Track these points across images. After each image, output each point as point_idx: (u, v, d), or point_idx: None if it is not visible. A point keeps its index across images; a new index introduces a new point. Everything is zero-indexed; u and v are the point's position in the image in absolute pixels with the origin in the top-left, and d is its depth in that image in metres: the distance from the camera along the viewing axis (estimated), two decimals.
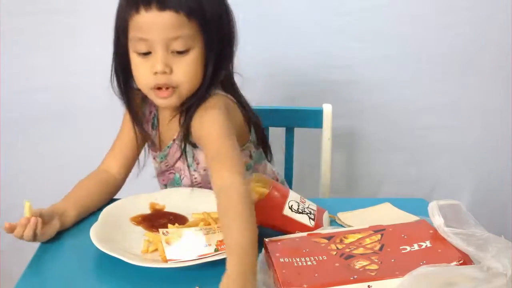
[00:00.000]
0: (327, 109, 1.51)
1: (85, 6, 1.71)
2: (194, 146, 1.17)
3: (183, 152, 1.17)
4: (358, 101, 1.83)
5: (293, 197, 1.08)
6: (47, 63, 1.75)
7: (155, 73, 1.08)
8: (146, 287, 0.92)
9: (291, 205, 1.05)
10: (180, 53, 1.08)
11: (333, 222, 1.12)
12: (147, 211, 1.14)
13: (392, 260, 0.87)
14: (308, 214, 1.05)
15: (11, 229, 1.01)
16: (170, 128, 1.20)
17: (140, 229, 1.08)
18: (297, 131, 1.53)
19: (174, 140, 1.21)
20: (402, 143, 1.89)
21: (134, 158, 1.27)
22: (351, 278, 0.82)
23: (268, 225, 1.02)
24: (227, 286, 0.82)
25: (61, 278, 0.95)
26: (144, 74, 1.10)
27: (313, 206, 1.09)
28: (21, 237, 1.01)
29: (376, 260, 0.87)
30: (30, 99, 1.77)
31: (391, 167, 1.91)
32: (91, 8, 1.71)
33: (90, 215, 1.14)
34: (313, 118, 1.52)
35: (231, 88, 1.20)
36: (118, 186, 1.24)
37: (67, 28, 1.72)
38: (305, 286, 0.81)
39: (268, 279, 0.88)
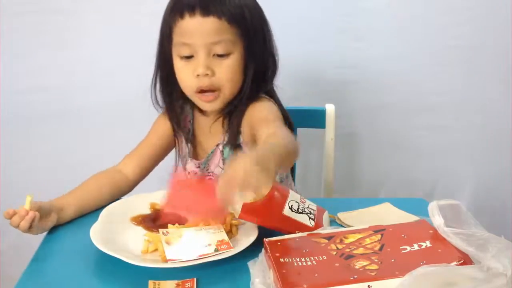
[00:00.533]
0: (330, 109, 1.51)
1: (85, 6, 1.71)
2: (238, 147, 1.21)
3: (222, 155, 1.22)
4: (359, 101, 1.83)
5: (293, 197, 1.08)
6: (47, 63, 1.75)
7: (198, 75, 1.13)
8: (146, 287, 0.92)
9: (291, 205, 1.05)
10: (221, 56, 1.14)
11: (333, 222, 1.12)
12: (147, 211, 1.14)
13: (392, 260, 0.87)
14: (308, 214, 1.05)
15: (9, 215, 1.06)
16: (212, 135, 1.24)
17: (140, 229, 1.08)
18: (300, 131, 1.53)
19: (217, 145, 1.24)
20: (402, 143, 1.89)
21: (153, 163, 1.29)
22: (351, 278, 0.82)
23: (268, 225, 1.02)
24: (251, 154, 0.87)
25: (61, 278, 0.95)
26: (187, 76, 1.16)
27: (313, 206, 1.09)
28: (17, 227, 1.05)
29: (376, 260, 0.87)
30: (30, 99, 1.77)
31: (392, 167, 1.91)
32: (91, 8, 1.71)
33: (91, 212, 1.14)
34: (316, 118, 1.51)
35: (273, 95, 1.26)
36: (129, 187, 1.26)
37: (67, 28, 1.72)
38: (305, 286, 0.81)
39: (268, 279, 0.88)
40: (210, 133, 1.25)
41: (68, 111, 1.79)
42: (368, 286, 0.81)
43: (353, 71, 1.79)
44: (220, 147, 1.24)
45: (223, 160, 1.22)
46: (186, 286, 0.91)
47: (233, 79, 1.16)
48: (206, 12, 1.11)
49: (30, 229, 1.05)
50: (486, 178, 1.93)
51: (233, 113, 1.20)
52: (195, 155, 1.29)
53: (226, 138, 1.22)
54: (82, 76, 1.76)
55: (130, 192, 1.26)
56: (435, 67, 1.82)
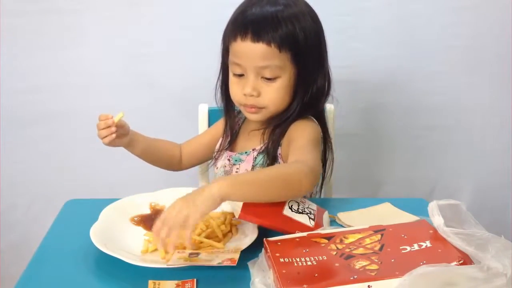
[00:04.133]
0: (330, 109, 1.51)
1: (85, 6, 1.71)
2: (273, 159, 1.24)
3: (254, 161, 1.27)
4: (359, 101, 1.83)
5: None
6: (47, 63, 1.75)
7: (245, 94, 1.20)
8: (146, 287, 0.92)
9: (291, 205, 1.05)
10: (268, 79, 1.18)
11: (333, 222, 1.12)
12: (147, 211, 1.14)
13: (392, 260, 0.87)
14: (308, 214, 1.05)
15: (103, 117, 1.23)
16: (250, 137, 1.30)
17: (140, 229, 1.08)
18: None
19: (254, 149, 1.28)
20: (402, 143, 1.90)
21: (203, 156, 1.43)
22: (351, 278, 0.82)
23: (268, 225, 1.02)
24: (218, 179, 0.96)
25: (61, 278, 0.95)
26: (237, 92, 1.22)
27: (313, 206, 1.09)
28: (99, 130, 1.23)
29: (376, 260, 0.87)
30: (30, 99, 1.77)
31: (392, 167, 1.91)
32: (91, 8, 1.71)
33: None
34: None
35: (320, 116, 1.28)
36: (178, 166, 1.42)
37: (67, 28, 1.73)
38: (305, 286, 0.81)
39: (267, 279, 0.88)
40: (249, 135, 1.30)
41: (68, 111, 1.80)
42: (368, 286, 0.81)
43: (353, 71, 1.79)
44: (255, 153, 1.27)
45: (253, 166, 1.26)
46: (186, 287, 0.91)
47: (278, 101, 1.21)
48: (256, 37, 1.15)
49: (104, 138, 1.22)
50: (486, 178, 1.93)
51: (277, 127, 1.24)
52: (231, 148, 1.34)
53: (262, 147, 1.26)
54: (82, 76, 1.76)
55: (130, 193, 1.26)
56: (435, 67, 1.82)
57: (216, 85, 1.30)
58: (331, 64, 1.77)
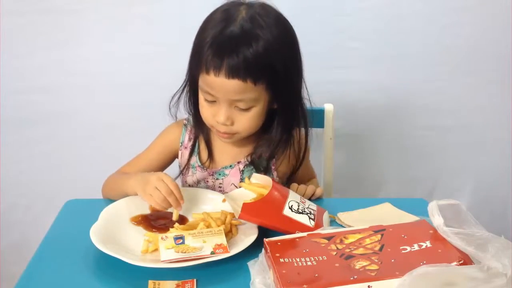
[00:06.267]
0: (329, 109, 1.51)
1: (85, 6, 1.71)
2: (265, 171, 1.24)
3: (242, 174, 1.25)
4: (358, 101, 1.83)
5: (293, 197, 1.08)
6: (47, 63, 1.75)
7: (217, 122, 1.15)
8: (146, 287, 0.92)
9: (291, 205, 1.05)
10: (242, 109, 1.14)
11: (333, 222, 1.12)
12: (147, 211, 1.14)
13: (392, 260, 0.87)
14: (308, 214, 1.05)
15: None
16: (229, 149, 1.26)
17: (140, 229, 1.08)
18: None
19: (239, 162, 1.25)
20: (402, 143, 1.89)
21: (158, 170, 1.29)
22: (351, 278, 0.82)
23: (268, 225, 1.02)
24: None
25: (61, 278, 0.95)
26: (208, 116, 1.17)
27: (313, 206, 1.09)
28: (167, 200, 1.09)
29: (376, 260, 0.87)
30: (30, 99, 1.77)
31: (392, 167, 1.91)
32: (91, 8, 1.71)
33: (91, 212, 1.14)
34: (315, 118, 1.51)
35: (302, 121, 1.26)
36: None
37: (67, 28, 1.72)
38: (305, 286, 0.81)
39: (267, 279, 0.88)
40: (226, 148, 1.26)
41: (68, 111, 1.79)
42: (368, 286, 0.81)
43: (352, 71, 1.79)
44: (241, 166, 1.25)
45: (241, 179, 1.24)
46: (186, 287, 0.91)
47: (252, 127, 1.18)
48: (231, 75, 1.09)
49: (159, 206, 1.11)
50: (486, 178, 1.93)
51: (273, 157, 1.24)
52: (207, 163, 1.28)
53: (248, 159, 1.24)
54: (82, 76, 1.76)
55: None
56: (435, 67, 1.81)
57: (180, 93, 1.24)
58: (331, 64, 1.78)
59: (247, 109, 1.14)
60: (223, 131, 1.17)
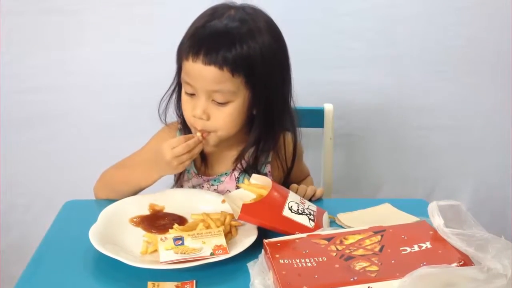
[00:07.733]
0: (328, 109, 1.50)
1: (85, 6, 1.71)
2: (258, 172, 1.23)
3: (237, 181, 1.24)
4: (358, 101, 1.83)
5: (292, 198, 1.08)
6: (47, 63, 1.75)
7: (194, 116, 1.15)
8: None
9: (291, 206, 1.04)
10: (220, 103, 1.13)
11: (333, 223, 1.12)
12: (147, 212, 1.14)
13: (392, 261, 0.87)
14: (308, 215, 1.05)
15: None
16: (225, 157, 1.26)
17: (139, 230, 1.07)
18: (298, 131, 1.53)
19: (234, 169, 1.25)
20: (402, 143, 1.89)
21: None
22: (351, 280, 0.82)
23: (267, 226, 1.02)
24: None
25: (61, 279, 0.95)
26: (187, 111, 1.17)
27: (313, 207, 1.09)
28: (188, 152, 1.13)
29: (376, 261, 0.87)
30: (30, 99, 1.77)
31: (391, 167, 1.91)
32: (91, 8, 1.71)
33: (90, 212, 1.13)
34: (314, 118, 1.51)
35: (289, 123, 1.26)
36: None
37: (67, 28, 1.72)
38: (305, 287, 0.81)
39: (267, 280, 0.88)
40: (223, 155, 1.26)
41: (68, 111, 1.79)
42: (368, 287, 0.81)
43: (352, 71, 1.79)
44: (236, 173, 1.25)
45: (237, 187, 1.22)
46: None
47: (228, 125, 1.16)
48: (207, 60, 1.09)
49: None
50: (486, 178, 1.93)
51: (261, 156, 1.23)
52: (202, 169, 1.28)
53: (243, 166, 1.24)
54: (82, 76, 1.76)
55: None
56: (435, 67, 1.81)
57: (169, 97, 1.24)
58: (331, 64, 1.78)
59: (224, 104, 1.13)
60: (200, 128, 1.16)
